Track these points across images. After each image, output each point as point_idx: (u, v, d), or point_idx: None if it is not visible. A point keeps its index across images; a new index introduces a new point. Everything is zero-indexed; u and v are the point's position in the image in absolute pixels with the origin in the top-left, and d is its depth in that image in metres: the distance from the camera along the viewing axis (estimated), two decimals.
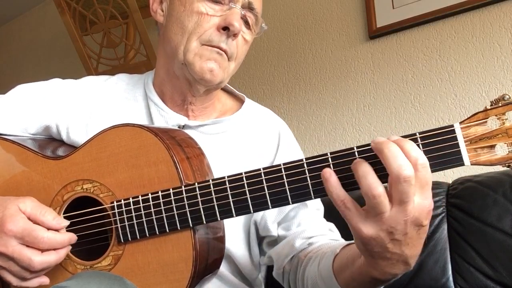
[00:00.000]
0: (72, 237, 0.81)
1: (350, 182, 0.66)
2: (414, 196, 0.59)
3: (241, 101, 1.06)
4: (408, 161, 0.59)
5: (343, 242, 0.87)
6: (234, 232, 0.95)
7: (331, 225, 1.00)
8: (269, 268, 1.28)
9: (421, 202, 0.60)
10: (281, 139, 1.03)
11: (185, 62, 0.91)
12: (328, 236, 0.95)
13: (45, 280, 0.80)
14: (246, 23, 0.94)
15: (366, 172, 0.60)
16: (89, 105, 1.00)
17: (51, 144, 0.98)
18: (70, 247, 0.82)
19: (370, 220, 0.61)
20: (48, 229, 0.78)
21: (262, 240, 1.02)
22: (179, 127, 0.97)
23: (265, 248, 1.01)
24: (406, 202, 0.59)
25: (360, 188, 0.61)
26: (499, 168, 1.37)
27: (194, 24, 0.90)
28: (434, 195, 1.29)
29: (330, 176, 0.64)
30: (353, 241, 0.77)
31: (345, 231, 0.96)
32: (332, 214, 1.00)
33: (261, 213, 0.96)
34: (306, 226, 0.96)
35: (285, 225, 0.98)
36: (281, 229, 0.98)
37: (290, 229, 0.97)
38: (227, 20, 0.88)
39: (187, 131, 0.92)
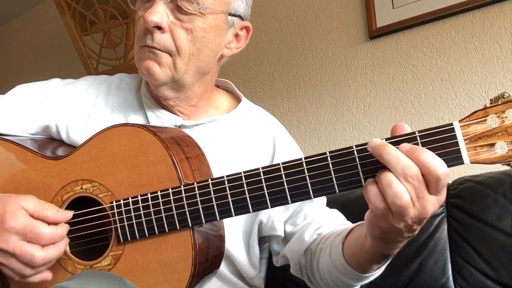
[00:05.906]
0: (67, 227, 0.81)
1: (348, 182, 0.67)
2: (426, 191, 0.60)
3: (239, 100, 1.06)
4: (409, 160, 0.60)
5: (348, 226, 0.88)
6: (234, 232, 0.95)
7: (335, 211, 1.01)
8: (269, 268, 1.28)
9: (437, 198, 0.62)
10: (276, 139, 1.03)
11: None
12: (334, 223, 0.96)
13: (47, 275, 0.80)
14: (179, 9, 0.86)
15: (390, 181, 0.61)
16: (88, 105, 1.00)
17: (50, 144, 0.98)
18: (68, 240, 0.82)
19: (394, 219, 0.63)
20: (50, 223, 0.78)
21: (269, 241, 1.03)
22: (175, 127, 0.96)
23: (277, 248, 1.02)
24: (421, 197, 0.60)
25: (385, 197, 0.61)
26: (499, 168, 1.37)
27: (136, 29, 0.91)
28: None
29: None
30: (358, 223, 0.81)
31: (348, 219, 0.98)
32: (332, 207, 1.02)
33: (267, 213, 0.97)
34: (312, 218, 0.97)
35: (292, 221, 0.99)
36: (288, 225, 0.99)
37: (297, 224, 0.98)
38: (144, 17, 0.86)
39: (184, 130, 0.92)
